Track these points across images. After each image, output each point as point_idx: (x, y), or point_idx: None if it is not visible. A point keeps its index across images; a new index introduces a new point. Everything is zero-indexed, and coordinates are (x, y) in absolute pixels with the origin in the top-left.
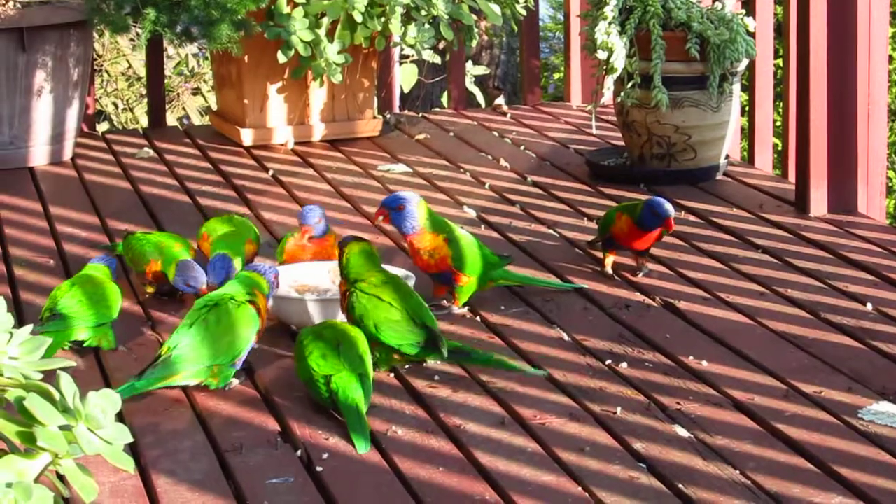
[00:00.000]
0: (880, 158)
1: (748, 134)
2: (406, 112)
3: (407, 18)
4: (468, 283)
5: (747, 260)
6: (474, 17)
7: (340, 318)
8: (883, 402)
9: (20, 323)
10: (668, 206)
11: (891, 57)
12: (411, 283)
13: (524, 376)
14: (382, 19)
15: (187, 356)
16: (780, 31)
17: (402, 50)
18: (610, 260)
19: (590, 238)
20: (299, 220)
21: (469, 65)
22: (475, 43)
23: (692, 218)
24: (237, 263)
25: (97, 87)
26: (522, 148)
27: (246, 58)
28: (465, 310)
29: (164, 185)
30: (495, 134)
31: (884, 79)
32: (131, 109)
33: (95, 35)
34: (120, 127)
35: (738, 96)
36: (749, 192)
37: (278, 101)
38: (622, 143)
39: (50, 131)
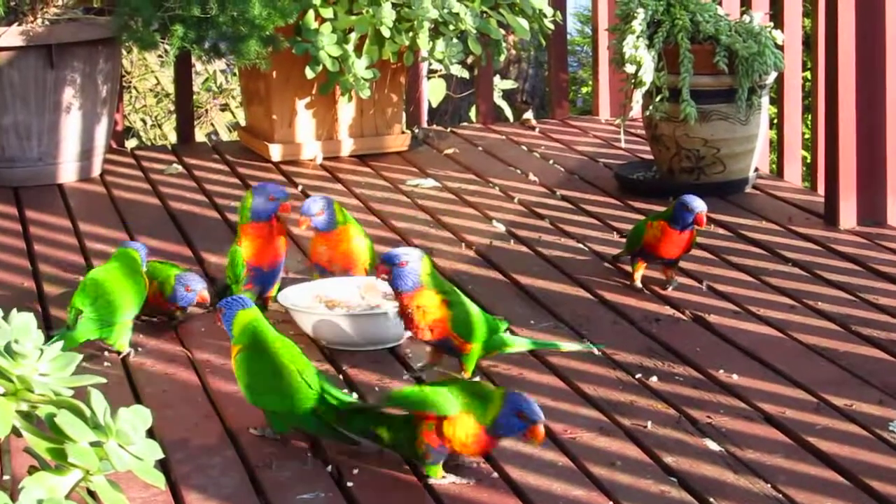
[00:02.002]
0: None
1: (777, 147)
2: (434, 127)
3: (435, 33)
4: (474, 350)
5: (777, 273)
6: (502, 31)
7: (372, 333)
8: None
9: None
10: (699, 202)
11: None
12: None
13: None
14: (410, 34)
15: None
16: (809, 43)
17: (430, 65)
18: (639, 273)
19: (618, 251)
20: (299, 211)
21: (497, 79)
22: (503, 57)
23: (721, 231)
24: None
25: (125, 103)
26: (551, 162)
27: (274, 73)
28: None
29: (192, 201)
30: (524, 148)
31: None
32: (160, 125)
33: (123, 51)
34: (148, 143)
35: (766, 109)
36: (778, 204)
37: (307, 116)
38: (651, 157)
39: (79, 148)
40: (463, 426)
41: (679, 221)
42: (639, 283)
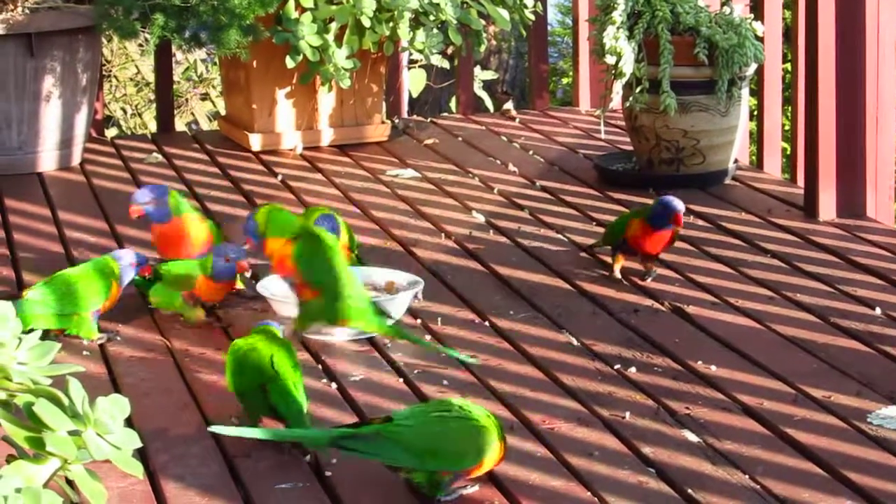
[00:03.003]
0: (889, 162)
1: (757, 138)
2: (414, 117)
3: (415, 23)
4: (312, 305)
5: (756, 264)
6: (483, 21)
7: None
8: (892, 406)
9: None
10: (678, 203)
11: None
12: (419, 288)
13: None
14: (391, 24)
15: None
16: (789, 35)
17: (410, 55)
18: (619, 265)
19: (594, 241)
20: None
21: (477, 70)
22: (483, 48)
23: (701, 222)
24: None
25: (106, 92)
26: (531, 153)
27: (254, 63)
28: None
29: None
30: (504, 139)
31: (892, 83)
32: (140, 115)
33: (104, 40)
34: (128, 132)
35: (746, 101)
36: (758, 196)
37: (287, 106)
38: (631, 148)
39: (58, 136)
40: (494, 458)
41: (657, 221)
42: (618, 274)
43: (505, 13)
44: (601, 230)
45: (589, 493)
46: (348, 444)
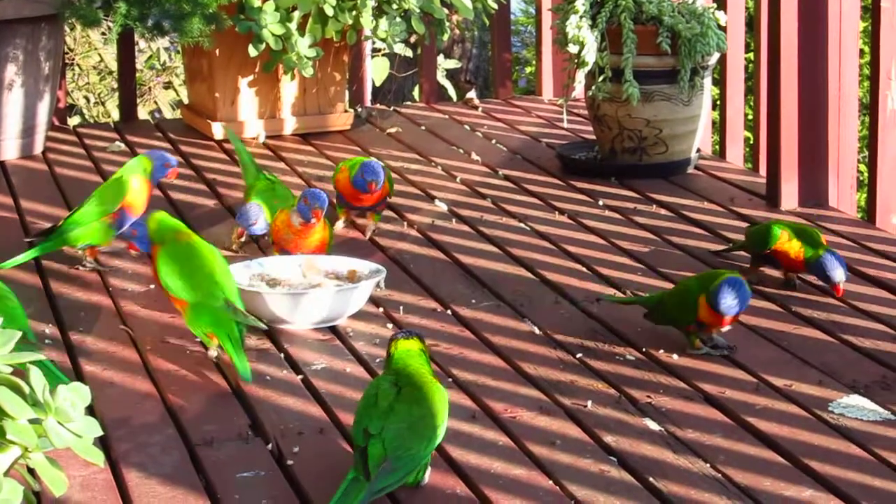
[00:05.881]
0: (851, 152)
1: (719, 128)
2: (377, 106)
3: (378, 12)
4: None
5: (719, 254)
6: (445, 10)
7: (313, 311)
8: (853, 395)
9: None
10: (840, 273)
11: (861, 51)
12: (381, 277)
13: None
14: (353, 13)
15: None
16: (752, 24)
17: (373, 43)
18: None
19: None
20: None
21: (440, 58)
22: (447, 37)
23: (663, 212)
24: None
25: (68, 80)
26: (494, 142)
27: (217, 51)
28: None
29: None
30: (466, 128)
31: (854, 73)
32: (103, 103)
33: (67, 29)
34: (91, 121)
35: (709, 90)
36: (720, 185)
37: (249, 94)
38: (593, 137)
39: (21, 125)
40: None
41: (816, 273)
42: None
43: (468, 2)
44: (564, 219)
45: (551, 482)
46: (380, 483)
